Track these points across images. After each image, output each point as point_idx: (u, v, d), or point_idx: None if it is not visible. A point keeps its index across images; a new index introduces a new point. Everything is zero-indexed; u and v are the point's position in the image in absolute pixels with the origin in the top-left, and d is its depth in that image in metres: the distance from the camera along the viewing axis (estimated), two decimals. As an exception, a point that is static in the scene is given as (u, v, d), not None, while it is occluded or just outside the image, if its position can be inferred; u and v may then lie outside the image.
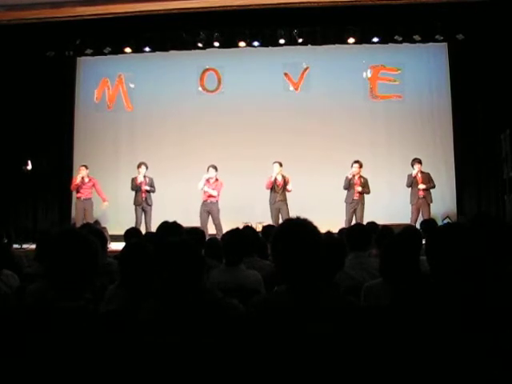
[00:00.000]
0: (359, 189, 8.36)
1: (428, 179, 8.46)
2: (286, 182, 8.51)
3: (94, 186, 8.84)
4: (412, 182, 8.45)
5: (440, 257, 1.86)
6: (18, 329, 1.74)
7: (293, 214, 8.16)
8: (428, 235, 2.05)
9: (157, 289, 2.54)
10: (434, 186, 8.50)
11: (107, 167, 9.80)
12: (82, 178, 8.72)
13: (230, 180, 8.79)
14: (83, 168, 8.81)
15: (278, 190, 8.52)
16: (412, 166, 8.47)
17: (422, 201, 8.39)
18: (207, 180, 8.48)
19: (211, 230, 8.30)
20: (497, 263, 2.22)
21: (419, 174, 8.42)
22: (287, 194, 8.57)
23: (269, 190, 8.57)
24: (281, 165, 8.50)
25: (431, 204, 8.45)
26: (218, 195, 8.52)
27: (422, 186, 8.36)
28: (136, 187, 8.67)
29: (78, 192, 8.82)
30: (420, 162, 8.46)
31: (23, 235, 8.53)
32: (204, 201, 8.50)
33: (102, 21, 8.70)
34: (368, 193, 8.45)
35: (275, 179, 8.49)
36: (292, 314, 1.74)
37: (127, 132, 10.16)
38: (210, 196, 8.47)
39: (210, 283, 2.89)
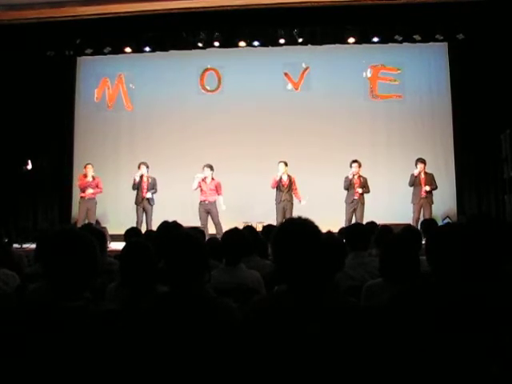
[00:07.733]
0: (360, 190, 8.38)
1: (431, 180, 8.44)
2: (291, 182, 8.51)
3: (97, 184, 8.84)
4: (414, 182, 8.45)
5: (440, 257, 1.86)
6: (18, 329, 1.74)
7: (293, 213, 8.17)
8: (428, 235, 2.05)
9: (155, 288, 2.56)
10: (436, 188, 8.49)
11: (107, 167, 9.79)
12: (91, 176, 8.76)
13: (230, 180, 8.80)
14: (90, 166, 8.81)
15: (284, 189, 8.53)
16: (415, 165, 8.46)
17: (423, 201, 8.37)
18: (203, 179, 8.47)
19: (211, 229, 8.30)
20: (497, 263, 2.22)
21: (422, 175, 8.40)
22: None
23: (273, 190, 8.57)
24: (286, 164, 8.51)
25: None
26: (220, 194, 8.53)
27: (427, 188, 8.33)
28: (134, 186, 8.66)
29: (83, 191, 8.80)
30: (423, 161, 8.43)
31: (23, 235, 8.54)
32: (202, 201, 8.48)
33: (102, 21, 8.71)
34: (368, 192, 8.46)
35: (280, 179, 8.49)
36: (292, 314, 1.74)
37: (127, 132, 10.15)
38: (210, 190, 8.45)
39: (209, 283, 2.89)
